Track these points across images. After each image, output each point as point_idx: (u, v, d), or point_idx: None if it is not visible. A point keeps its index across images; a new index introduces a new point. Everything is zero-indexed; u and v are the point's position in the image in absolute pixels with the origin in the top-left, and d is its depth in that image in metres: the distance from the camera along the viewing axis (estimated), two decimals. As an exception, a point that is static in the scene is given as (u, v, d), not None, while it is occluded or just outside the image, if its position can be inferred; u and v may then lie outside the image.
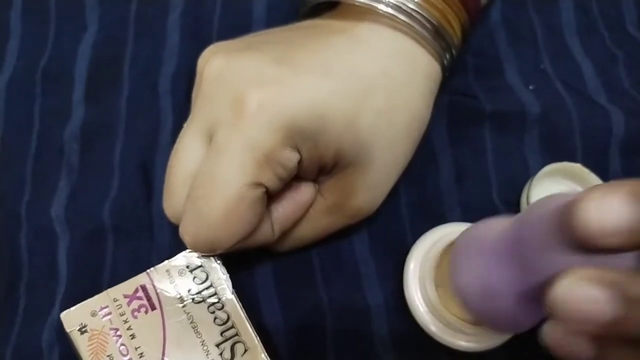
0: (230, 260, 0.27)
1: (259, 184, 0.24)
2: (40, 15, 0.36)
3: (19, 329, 0.29)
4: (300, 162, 0.25)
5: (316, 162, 0.26)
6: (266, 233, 0.26)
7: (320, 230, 0.28)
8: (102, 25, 0.35)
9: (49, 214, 0.31)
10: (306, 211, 0.27)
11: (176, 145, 0.27)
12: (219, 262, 0.26)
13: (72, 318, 0.24)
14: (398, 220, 0.31)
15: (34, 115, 0.33)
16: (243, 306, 0.29)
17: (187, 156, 0.26)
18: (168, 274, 0.25)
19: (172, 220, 0.27)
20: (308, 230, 0.28)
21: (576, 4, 0.36)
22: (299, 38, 0.28)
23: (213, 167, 0.24)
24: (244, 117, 0.24)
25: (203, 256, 0.26)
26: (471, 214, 0.30)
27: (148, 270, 0.25)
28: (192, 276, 0.25)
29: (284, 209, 0.27)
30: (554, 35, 0.35)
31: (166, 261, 0.26)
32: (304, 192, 0.27)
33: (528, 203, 0.29)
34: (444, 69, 0.29)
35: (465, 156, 0.32)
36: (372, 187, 0.27)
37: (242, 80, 0.25)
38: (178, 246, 0.26)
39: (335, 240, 0.30)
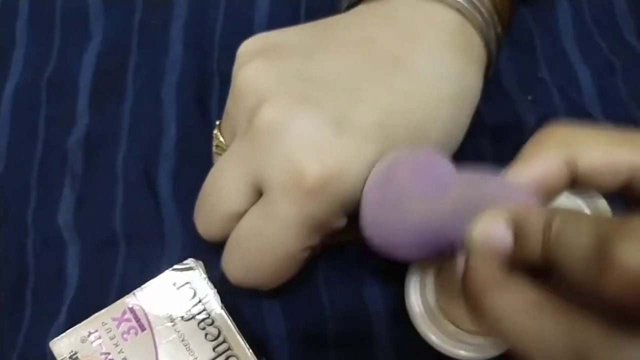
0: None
1: (309, 247, 0.25)
2: (46, 25, 0.36)
3: (25, 334, 0.30)
4: None
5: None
6: (304, 260, 0.27)
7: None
8: (106, 35, 0.35)
9: (55, 221, 0.31)
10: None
11: (215, 179, 0.26)
12: (205, 277, 0.26)
13: (62, 346, 0.24)
14: None
15: (39, 123, 0.34)
16: (245, 313, 0.29)
17: (230, 198, 0.26)
18: (155, 293, 0.25)
19: (208, 241, 0.27)
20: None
21: (574, 12, 0.36)
22: (358, 78, 0.26)
23: (266, 230, 0.25)
24: (302, 190, 0.23)
25: (187, 269, 0.26)
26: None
27: (134, 291, 0.25)
28: (179, 293, 0.25)
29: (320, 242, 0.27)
30: (552, 44, 0.35)
31: (152, 280, 0.26)
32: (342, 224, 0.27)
33: None
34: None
35: (465, 166, 0.32)
36: None
37: (300, 145, 0.24)
38: (189, 252, 0.27)
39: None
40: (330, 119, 0.24)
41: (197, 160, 0.32)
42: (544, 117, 0.33)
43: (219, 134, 0.29)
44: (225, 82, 0.34)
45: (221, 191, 0.26)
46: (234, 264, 0.26)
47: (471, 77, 0.28)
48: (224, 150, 0.28)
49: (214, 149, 0.29)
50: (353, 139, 0.24)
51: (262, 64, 0.26)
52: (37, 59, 0.35)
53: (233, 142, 0.26)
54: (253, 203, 0.25)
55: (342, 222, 0.25)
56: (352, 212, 0.25)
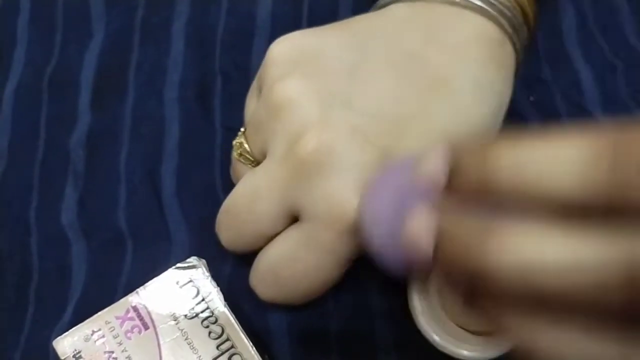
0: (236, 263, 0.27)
1: (344, 270, 0.26)
2: (47, 23, 0.36)
3: (28, 333, 0.30)
4: None
5: None
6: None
7: None
8: (108, 33, 0.35)
9: (59, 220, 0.31)
10: None
11: (250, 201, 0.26)
12: (208, 275, 0.26)
13: (65, 345, 0.24)
14: None
15: (41, 122, 0.34)
16: (248, 311, 0.29)
17: (263, 220, 0.26)
18: (158, 292, 0.25)
19: (230, 250, 0.28)
20: None
21: (577, 14, 0.36)
22: (404, 106, 0.25)
23: (307, 258, 0.25)
24: (344, 225, 0.24)
25: (190, 267, 0.26)
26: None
27: (137, 290, 0.25)
28: (182, 292, 0.25)
29: None
30: (555, 45, 0.35)
31: (155, 279, 0.25)
32: None
33: None
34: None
35: None
36: None
37: (345, 177, 0.24)
38: (196, 249, 0.27)
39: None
40: (376, 153, 0.24)
41: (201, 159, 0.32)
42: (546, 119, 0.33)
43: (244, 142, 0.28)
44: (228, 80, 0.34)
45: (254, 212, 0.26)
46: (266, 285, 0.27)
47: (507, 87, 0.28)
48: (249, 160, 0.28)
49: (235, 155, 0.29)
50: None
51: (303, 82, 0.25)
52: (38, 57, 0.35)
53: (268, 162, 0.26)
54: (286, 227, 0.26)
55: None
56: None
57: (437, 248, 0.19)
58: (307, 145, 0.24)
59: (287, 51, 0.26)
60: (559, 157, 0.16)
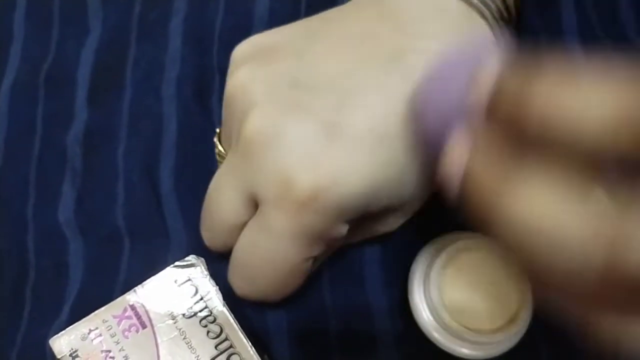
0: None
1: (310, 257, 0.25)
2: (44, 19, 0.36)
3: (25, 331, 0.30)
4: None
5: (362, 218, 0.25)
6: (309, 270, 0.27)
7: (341, 245, 0.29)
8: (104, 29, 0.35)
9: (56, 218, 0.31)
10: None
11: (214, 192, 0.26)
12: (207, 274, 0.25)
13: (62, 344, 0.24)
14: (408, 225, 0.31)
15: (37, 118, 0.34)
16: (247, 310, 0.29)
17: (227, 211, 0.26)
18: (156, 291, 0.25)
19: (213, 250, 0.28)
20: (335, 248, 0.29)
21: (578, 10, 0.36)
22: (352, 79, 0.24)
23: (262, 243, 0.24)
24: (294, 202, 0.23)
25: (189, 266, 0.26)
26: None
27: (135, 288, 0.25)
28: (181, 290, 0.25)
29: (325, 251, 0.27)
30: (556, 41, 0.35)
31: (153, 277, 0.25)
32: (343, 232, 0.27)
33: None
34: None
35: None
36: (408, 213, 0.28)
37: (289, 154, 0.23)
38: (194, 247, 0.27)
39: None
40: (320, 127, 0.23)
41: (198, 156, 0.32)
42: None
43: (218, 142, 0.28)
44: (225, 77, 0.34)
45: (219, 204, 0.26)
46: (237, 278, 0.26)
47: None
48: (224, 158, 0.28)
49: (217, 157, 0.29)
50: (344, 147, 0.23)
51: (252, 69, 0.25)
52: (34, 53, 0.35)
53: (229, 152, 0.26)
54: (252, 214, 0.25)
55: (342, 230, 0.25)
56: (354, 219, 0.25)
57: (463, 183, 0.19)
58: (250, 125, 0.24)
59: (245, 48, 0.26)
60: (594, 102, 0.16)
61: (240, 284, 0.26)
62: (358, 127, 0.23)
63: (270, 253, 0.25)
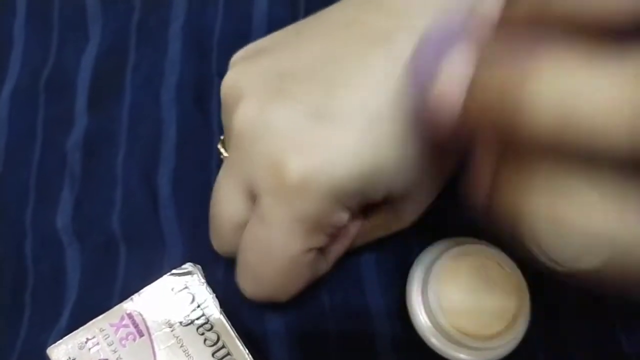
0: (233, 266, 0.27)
1: (311, 248, 0.24)
2: (44, 25, 0.36)
3: (25, 337, 0.30)
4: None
5: (364, 207, 0.25)
6: (321, 269, 0.27)
7: (359, 244, 0.28)
8: (104, 35, 0.35)
9: (54, 224, 0.31)
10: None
11: (216, 194, 0.26)
12: (204, 281, 0.25)
13: (59, 352, 0.24)
14: (406, 230, 0.31)
15: (37, 124, 0.34)
16: (245, 316, 0.29)
17: (230, 209, 0.25)
18: (153, 299, 0.25)
19: (223, 255, 0.27)
20: (348, 246, 0.28)
21: None
22: (338, 62, 0.24)
23: (263, 236, 0.24)
24: (287, 188, 0.22)
25: (185, 274, 0.26)
26: (478, 232, 0.30)
27: (132, 296, 0.25)
28: (178, 298, 0.25)
29: (335, 247, 0.27)
30: None
31: (150, 285, 0.25)
32: (352, 229, 0.27)
33: None
34: None
35: None
36: (419, 206, 0.27)
37: (278, 140, 0.23)
38: (190, 254, 0.27)
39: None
40: (308, 110, 0.23)
41: (197, 162, 0.32)
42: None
43: (221, 148, 0.28)
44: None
45: (221, 205, 0.26)
46: (244, 278, 0.26)
47: None
48: None
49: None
50: (334, 127, 0.23)
51: (240, 68, 0.25)
52: (35, 59, 0.35)
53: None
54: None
55: (341, 217, 0.24)
56: (354, 206, 0.24)
57: (468, 98, 0.18)
58: (239, 117, 0.24)
59: (239, 54, 0.27)
60: None
61: (247, 284, 0.26)
62: (346, 108, 0.23)
63: (270, 245, 0.24)
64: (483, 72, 0.18)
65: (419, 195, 0.26)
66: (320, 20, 0.26)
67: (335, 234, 0.25)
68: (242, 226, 0.25)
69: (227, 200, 0.25)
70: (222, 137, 0.29)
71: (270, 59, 0.25)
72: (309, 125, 0.23)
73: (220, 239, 0.27)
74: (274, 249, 0.24)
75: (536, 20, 0.17)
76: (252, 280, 0.26)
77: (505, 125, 0.17)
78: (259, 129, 0.23)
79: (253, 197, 0.24)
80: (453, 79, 0.19)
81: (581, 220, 0.17)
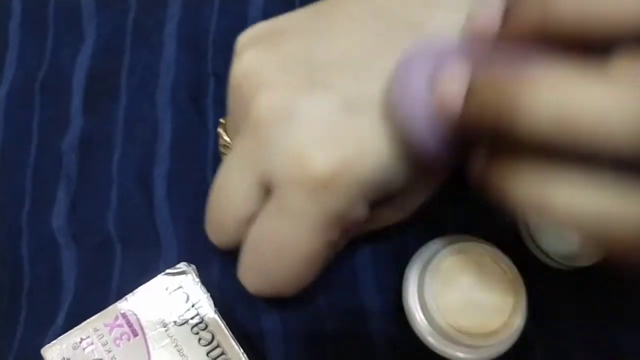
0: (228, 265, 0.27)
1: (331, 242, 0.23)
2: (39, 26, 0.36)
3: (21, 337, 0.30)
4: None
5: (382, 199, 0.24)
6: (325, 261, 0.25)
7: (354, 235, 0.28)
8: (99, 36, 0.35)
9: (50, 225, 0.31)
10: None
11: (222, 182, 0.25)
12: (198, 281, 0.25)
13: (53, 353, 0.24)
14: (402, 229, 0.31)
15: (33, 126, 0.34)
16: (241, 315, 0.29)
17: (238, 200, 0.24)
18: (147, 298, 0.25)
19: (221, 248, 0.26)
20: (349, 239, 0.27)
21: None
22: (369, 51, 0.23)
23: (282, 229, 0.23)
24: (313, 181, 0.21)
25: (180, 273, 0.25)
26: (474, 229, 0.30)
27: (126, 296, 0.25)
28: (172, 298, 0.25)
29: (342, 241, 0.26)
30: None
31: (144, 285, 0.25)
32: (362, 215, 0.25)
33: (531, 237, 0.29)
34: None
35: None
36: (419, 197, 0.27)
37: (306, 131, 0.22)
38: (185, 254, 0.27)
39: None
40: (338, 101, 0.22)
41: (193, 162, 0.32)
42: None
43: (222, 132, 0.27)
44: (220, 82, 0.34)
45: (229, 195, 0.24)
46: (251, 272, 0.25)
47: None
48: (229, 149, 0.27)
49: (220, 148, 0.28)
50: (364, 119, 0.22)
51: (259, 51, 0.24)
52: (30, 60, 0.35)
53: (235, 140, 0.24)
54: (263, 202, 0.24)
55: (362, 212, 0.23)
56: (375, 200, 0.23)
57: (467, 100, 0.18)
58: (262, 104, 0.22)
59: (250, 33, 0.25)
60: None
61: (254, 279, 0.25)
62: (377, 97, 0.22)
63: (290, 239, 0.23)
64: (480, 77, 0.18)
65: (420, 187, 0.26)
66: (341, 8, 0.25)
67: (349, 228, 0.24)
68: (247, 218, 0.24)
69: (235, 189, 0.24)
70: (222, 121, 0.28)
71: (291, 45, 0.24)
72: (340, 117, 0.22)
73: (221, 230, 0.25)
74: (291, 242, 0.23)
75: (535, 30, 0.17)
76: (260, 275, 0.25)
77: (502, 128, 0.17)
78: (283, 119, 0.22)
79: (265, 189, 0.23)
80: (451, 84, 0.19)
81: (570, 209, 0.17)
